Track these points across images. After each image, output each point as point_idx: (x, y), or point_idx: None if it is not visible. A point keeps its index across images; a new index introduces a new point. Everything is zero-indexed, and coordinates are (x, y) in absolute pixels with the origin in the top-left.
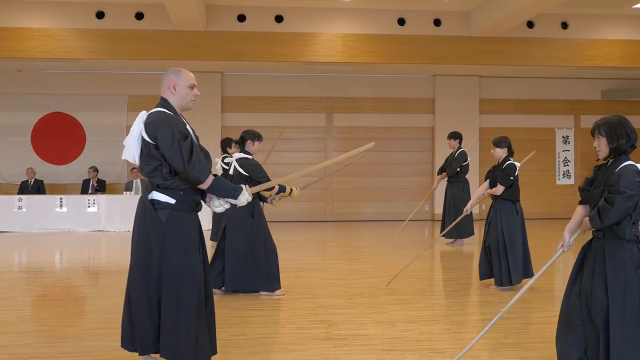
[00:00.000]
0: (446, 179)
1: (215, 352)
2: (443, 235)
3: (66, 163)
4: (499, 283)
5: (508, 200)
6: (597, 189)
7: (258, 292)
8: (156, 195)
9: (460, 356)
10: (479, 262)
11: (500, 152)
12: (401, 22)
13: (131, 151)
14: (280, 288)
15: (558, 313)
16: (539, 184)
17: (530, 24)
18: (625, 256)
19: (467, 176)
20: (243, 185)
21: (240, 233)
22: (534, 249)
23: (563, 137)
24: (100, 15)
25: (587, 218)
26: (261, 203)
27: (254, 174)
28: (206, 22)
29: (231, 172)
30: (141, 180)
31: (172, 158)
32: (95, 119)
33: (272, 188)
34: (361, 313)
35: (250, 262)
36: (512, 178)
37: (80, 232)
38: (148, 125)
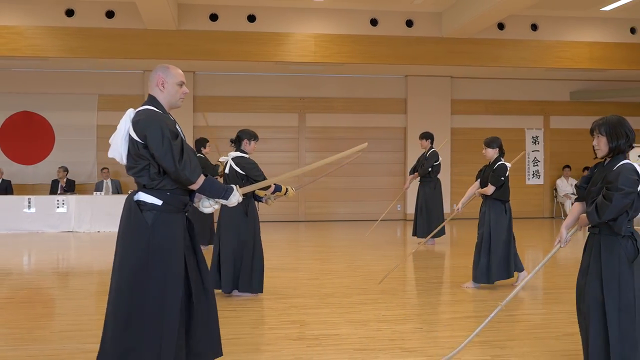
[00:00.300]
0: (418, 179)
1: (219, 354)
2: (432, 237)
3: (35, 163)
4: (475, 279)
5: (498, 200)
6: (594, 186)
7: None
8: (142, 196)
9: (453, 354)
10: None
11: (492, 153)
12: (374, 22)
13: (118, 150)
14: (262, 292)
15: (526, 311)
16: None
17: (500, 26)
18: (620, 252)
19: (439, 176)
20: (234, 186)
21: (233, 233)
22: None
23: (533, 137)
24: (69, 13)
25: (585, 214)
26: (256, 203)
27: (251, 173)
28: (178, 21)
29: (227, 170)
30: (112, 180)
31: (162, 158)
32: (65, 119)
33: (268, 187)
34: (334, 313)
35: (240, 262)
36: (503, 178)
37: (49, 233)
38: (136, 123)
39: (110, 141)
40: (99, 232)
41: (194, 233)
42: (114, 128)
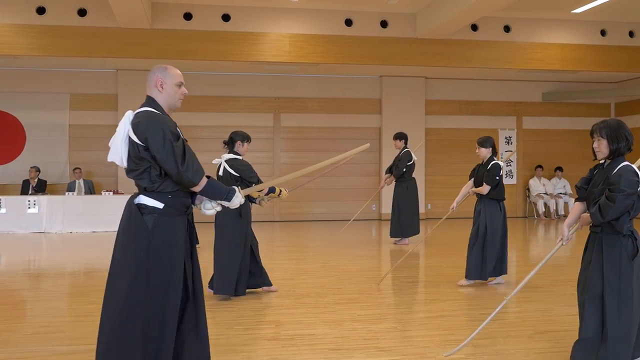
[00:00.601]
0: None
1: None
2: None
3: (5, 163)
4: (468, 276)
5: (493, 199)
6: (595, 187)
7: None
8: (143, 199)
9: (455, 350)
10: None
11: (485, 152)
12: (348, 22)
13: (118, 153)
14: (244, 294)
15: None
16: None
17: (474, 27)
18: (621, 249)
19: (414, 175)
20: (235, 187)
21: (227, 234)
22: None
23: (506, 137)
24: (40, 10)
25: (586, 214)
26: (249, 204)
27: (245, 175)
28: (152, 20)
29: (220, 173)
30: (84, 180)
31: (164, 160)
32: (36, 118)
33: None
34: (309, 313)
35: (237, 264)
36: (497, 178)
37: (20, 234)
38: (137, 125)
39: (109, 144)
40: (71, 233)
41: (193, 236)
42: (86, 127)
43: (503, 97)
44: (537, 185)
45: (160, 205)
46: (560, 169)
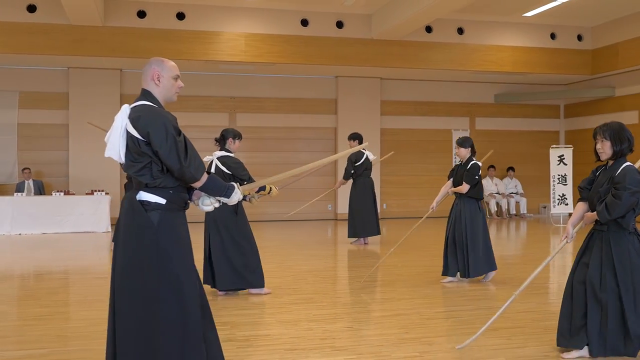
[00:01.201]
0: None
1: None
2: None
3: None
4: (463, 275)
5: (472, 198)
6: (600, 187)
7: (247, 289)
8: (145, 196)
9: (467, 343)
10: (443, 257)
11: (465, 152)
12: (304, 23)
13: (115, 148)
14: (264, 286)
15: (454, 308)
16: (437, 183)
17: (428, 29)
18: (629, 246)
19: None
20: (234, 184)
21: (225, 232)
22: (432, 246)
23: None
24: None
25: (590, 213)
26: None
27: (237, 172)
28: (104, 17)
29: (212, 170)
30: (34, 181)
31: (167, 156)
32: None
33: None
34: (264, 313)
35: (236, 261)
36: (477, 177)
37: None
38: (137, 120)
39: (105, 140)
40: (20, 234)
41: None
42: (36, 126)
43: (457, 98)
44: (489, 185)
45: (162, 201)
46: (512, 169)
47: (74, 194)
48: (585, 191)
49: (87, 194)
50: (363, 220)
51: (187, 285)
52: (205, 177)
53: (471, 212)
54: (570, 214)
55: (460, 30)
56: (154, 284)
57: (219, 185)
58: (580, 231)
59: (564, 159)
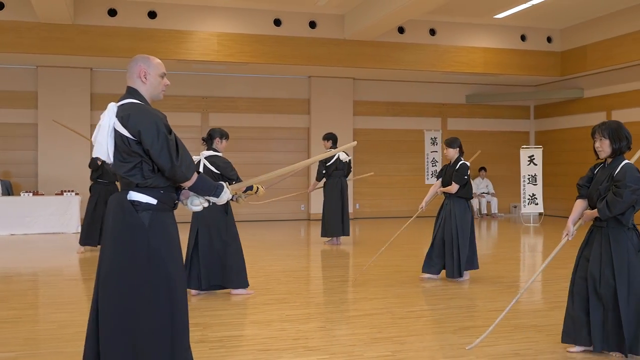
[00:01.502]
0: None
1: None
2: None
3: None
4: (450, 275)
5: (462, 198)
6: (599, 185)
7: (229, 289)
8: (135, 196)
9: (477, 343)
10: (427, 255)
11: (453, 152)
12: (277, 22)
13: (103, 148)
14: (248, 286)
15: (426, 307)
16: (409, 183)
17: (401, 30)
18: (627, 243)
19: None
20: (223, 183)
21: (215, 232)
22: (404, 246)
23: (431, 138)
24: None
25: (589, 211)
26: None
27: (226, 172)
28: (74, 15)
29: (200, 169)
30: (2, 181)
31: (158, 155)
32: None
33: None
34: (237, 314)
35: (224, 260)
36: (466, 177)
37: None
38: (127, 118)
39: (93, 139)
40: None
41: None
42: (4, 126)
43: (429, 99)
44: (480, 185)
45: (153, 201)
46: (483, 169)
47: (43, 195)
48: (584, 189)
49: (56, 194)
50: (330, 220)
51: (179, 286)
52: (195, 176)
53: (460, 211)
54: (540, 214)
55: (432, 32)
56: (145, 286)
57: (208, 184)
58: (581, 228)
59: (534, 159)
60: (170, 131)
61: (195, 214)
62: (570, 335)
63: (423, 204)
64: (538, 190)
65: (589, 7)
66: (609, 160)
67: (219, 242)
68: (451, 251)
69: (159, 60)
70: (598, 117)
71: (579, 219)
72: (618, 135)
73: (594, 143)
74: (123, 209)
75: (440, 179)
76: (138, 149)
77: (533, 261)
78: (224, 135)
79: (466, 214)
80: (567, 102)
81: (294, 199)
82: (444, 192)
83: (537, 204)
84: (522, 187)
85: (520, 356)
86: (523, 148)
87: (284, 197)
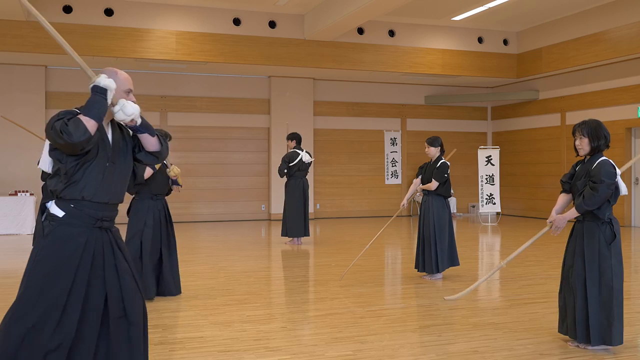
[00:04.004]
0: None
1: None
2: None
3: None
4: (429, 271)
5: (440, 196)
6: (578, 180)
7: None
8: (51, 204)
9: (457, 297)
10: (416, 254)
11: (434, 151)
12: (237, 22)
13: (45, 158)
14: None
15: (386, 306)
16: (369, 183)
17: (360, 31)
18: (600, 236)
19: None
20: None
21: (157, 239)
22: (361, 245)
23: (391, 139)
24: None
25: (566, 214)
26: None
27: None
28: (27, 12)
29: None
30: None
31: (47, 136)
32: None
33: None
34: (197, 315)
35: (170, 266)
36: (446, 175)
37: None
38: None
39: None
40: None
41: (118, 251)
42: None
43: (388, 100)
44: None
45: (60, 213)
46: None
47: None
48: (567, 184)
49: (10, 194)
50: (291, 220)
51: (52, 310)
52: (91, 123)
53: (438, 209)
54: (498, 213)
55: (392, 33)
56: (29, 298)
57: (89, 103)
58: (569, 224)
59: (491, 159)
60: (66, 114)
61: (152, 225)
62: (561, 327)
63: (404, 201)
64: (495, 190)
65: (544, 10)
66: (588, 157)
67: (167, 248)
68: (429, 247)
69: (126, 75)
70: (553, 119)
71: (562, 210)
72: (596, 133)
73: (575, 141)
74: (40, 215)
75: (420, 177)
76: (54, 154)
77: (491, 260)
78: (167, 136)
79: (444, 212)
80: (523, 103)
81: (254, 199)
82: (423, 190)
83: (494, 203)
84: (480, 187)
85: (479, 353)
86: (481, 148)
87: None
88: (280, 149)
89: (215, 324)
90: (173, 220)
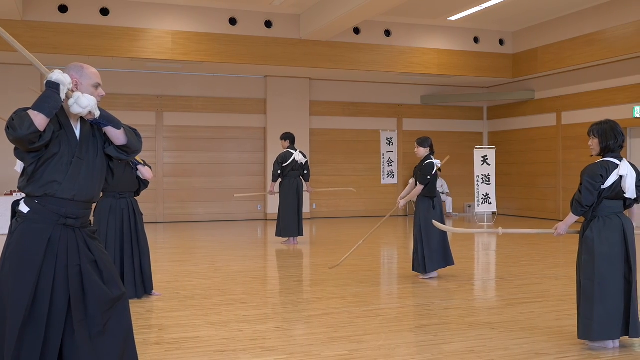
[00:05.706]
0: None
1: None
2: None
3: None
4: (417, 269)
5: (426, 197)
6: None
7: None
8: (20, 203)
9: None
10: (413, 254)
11: (423, 151)
12: (233, 21)
13: (18, 161)
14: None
15: (382, 306)
16: (365, 183)
17: (356, 30)
18: (592, 233)
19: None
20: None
21: (119, 240)
22: (361, 245)
23: (387, 139)
24: None
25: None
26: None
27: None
28: (23, 11)
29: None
30: None
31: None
32: None
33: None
34: (193, 315)
35: (133, 269)
36: (429, 177)
37: None
38: None
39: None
40: None
41: (87, 251)
42: None
43: (384, 99)
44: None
45: (25, 209)
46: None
47: None
48: None
49: (5, 194)
50: (285, 220)
51: (12, 311)
52: (39, 117)
53: (424, 209)
54: (494, 213)
55: (388, 33)
56: None
57: (41, 99)
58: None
59: (487, 159)
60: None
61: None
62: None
63: (401, 201)
64: (491, 189)
65: (540, 10)
66: (599, 158)
67: (139, 246)
68: (416, 247)
69: (93, 70)
70: (549, 119)
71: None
72: (606, 134)
73: (589, 141)
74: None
75: (413, 178)
76: (17, 153)
77: (487, 259)
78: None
79: (429, 213)
80: (519, 103)
81: (250, 199)
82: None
83: (490, 203)
84: (475, 187)
85: (475, 353)
86: (476, 148)
87: (242, 196)
88: (276, 148)
89: (212, 324)
90: (170, 220)
